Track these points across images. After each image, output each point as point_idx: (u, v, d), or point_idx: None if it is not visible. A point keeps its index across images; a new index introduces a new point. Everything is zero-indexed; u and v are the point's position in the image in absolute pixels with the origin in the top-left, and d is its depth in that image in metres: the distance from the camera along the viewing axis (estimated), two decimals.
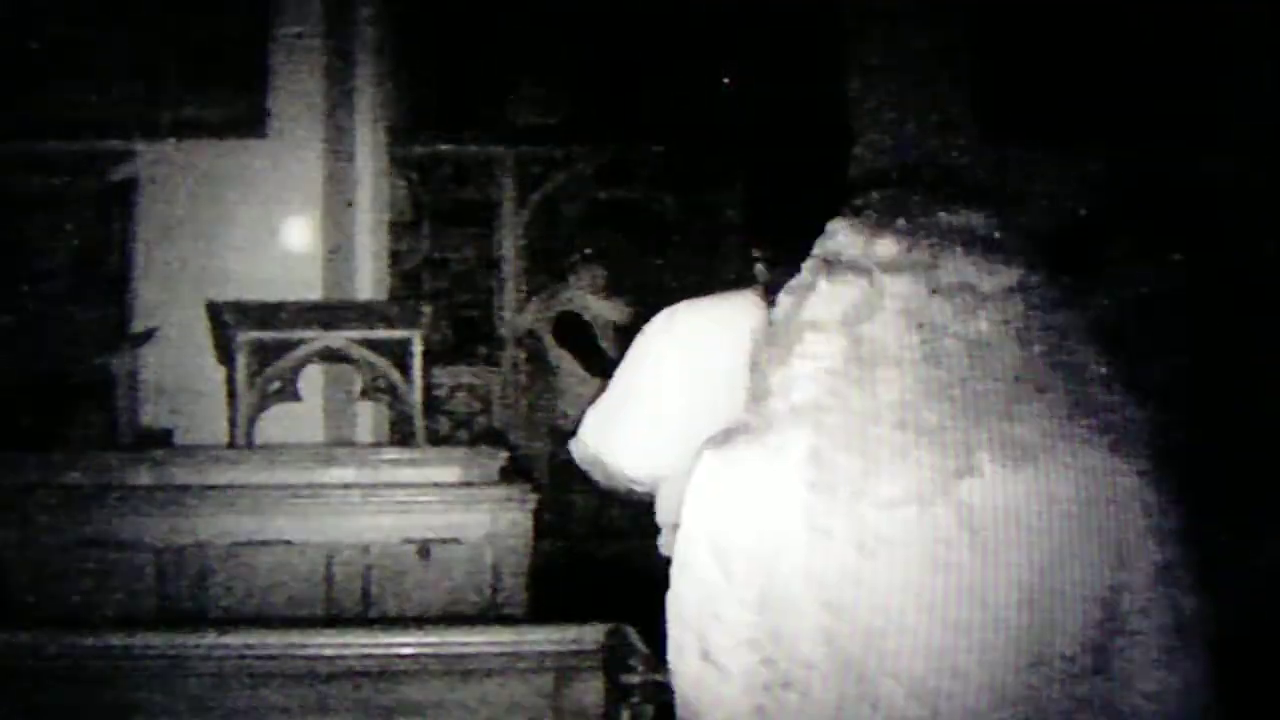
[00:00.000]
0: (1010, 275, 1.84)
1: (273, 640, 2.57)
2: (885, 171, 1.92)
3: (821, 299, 1.84)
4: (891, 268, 1.82)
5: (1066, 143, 7.60)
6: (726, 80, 10.36)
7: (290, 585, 3.91)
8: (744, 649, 1.85)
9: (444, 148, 9.24)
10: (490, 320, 9.15)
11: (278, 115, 6.90)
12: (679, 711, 1.94)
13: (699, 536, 1.89)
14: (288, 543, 3.94)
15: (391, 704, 2.52)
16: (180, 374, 6.56)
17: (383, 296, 7.41)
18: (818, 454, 1.80)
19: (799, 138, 9.14)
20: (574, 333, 7.04)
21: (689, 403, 2.70)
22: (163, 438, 6.44)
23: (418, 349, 6.17)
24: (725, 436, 1.90)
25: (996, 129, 7.90)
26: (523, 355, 8.72)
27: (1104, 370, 1.86)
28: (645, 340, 2.91)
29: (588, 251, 8.05)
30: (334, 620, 3.85)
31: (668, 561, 1.94)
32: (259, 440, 6.01)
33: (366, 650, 2.54)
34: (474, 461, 4.59)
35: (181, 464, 4.59)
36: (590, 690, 2.56)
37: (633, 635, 2.61)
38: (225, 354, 6.12)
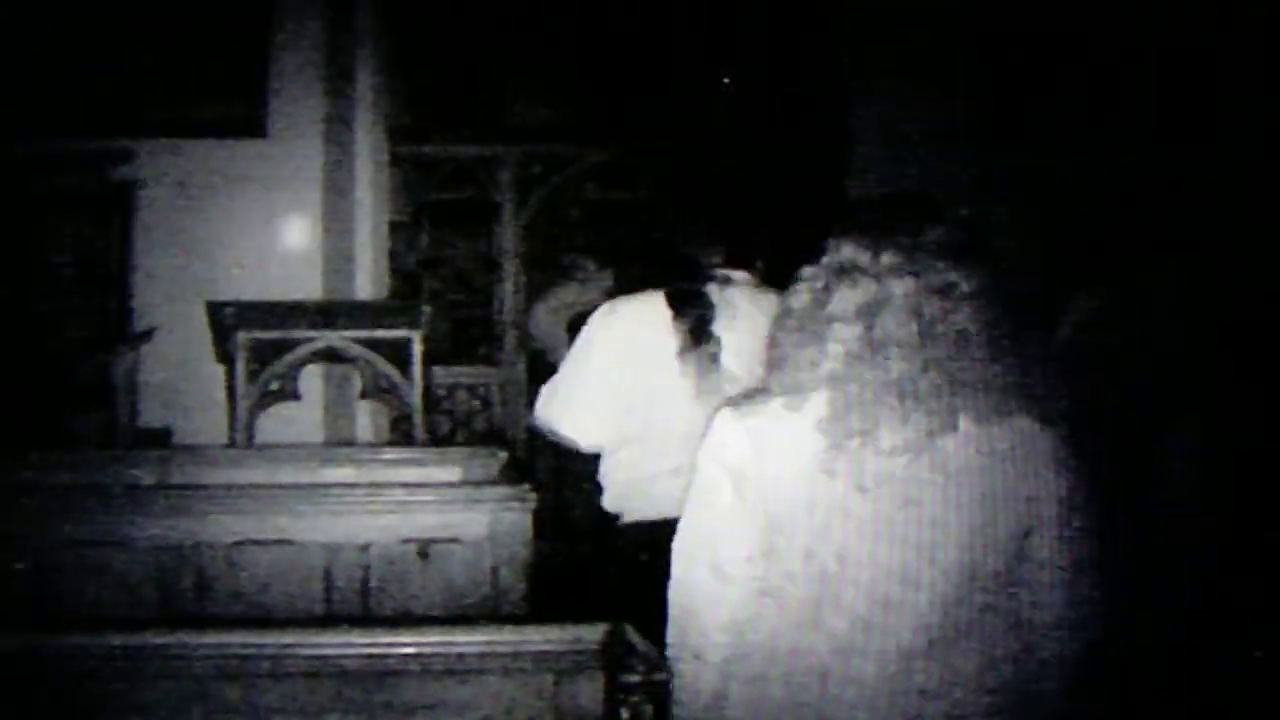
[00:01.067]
0: (981, 278, 2.36)
1: (272, 640, 2.57)
2: (874, 197, 2.52)
3: (842, 297, 2.37)
4: (895, 273, 2.35)
5: (1067, 145, 7.60)
6: (726, 81, 10.36)
7: (290, 585, 3.91)
8: (745, 562, 2.39)
9: (444, 148, 9.23)
10: (490, 320, 9.15)
11: (278, 115, 6.90)
12: (672, 621, 2.48)
13: (721, 472, 2.42)
14: (288, 543, 3.93)
15: (391, 704, 2.52)
16: (180, 374, 6.56)
17: (383, 296, 7.41)
18: (835, 413, 2.34)
19: (797, 141, 9.14)
20: None
21: (620, 381, 3.51)
22: (163, 438, 6.45)
23: (418, 349, 6.17)
24: (747, 396, 2.47)
25: (997, 131, 7.90)
26: (523, 355, 8.72)
27: (1037, 354, 2.38)
28: (588, 329, 3.69)
29: (591, 252, 8.04)
30: (333, 620, 3.84)
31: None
32: (259, 440, 6.02)
33: (366, 650, 2.54)
34: (474, 461, 4.58)
35: (181, 464, 4.59)
36: (590, 690, 2.56)
37: (633, 635, 2.61)
38: (225, 354, 6.12)
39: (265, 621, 3.70)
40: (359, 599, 3.92)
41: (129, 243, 6.58)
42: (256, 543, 3.92)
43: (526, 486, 4.06)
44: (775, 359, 2.44)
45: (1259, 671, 3.44)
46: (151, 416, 6.60)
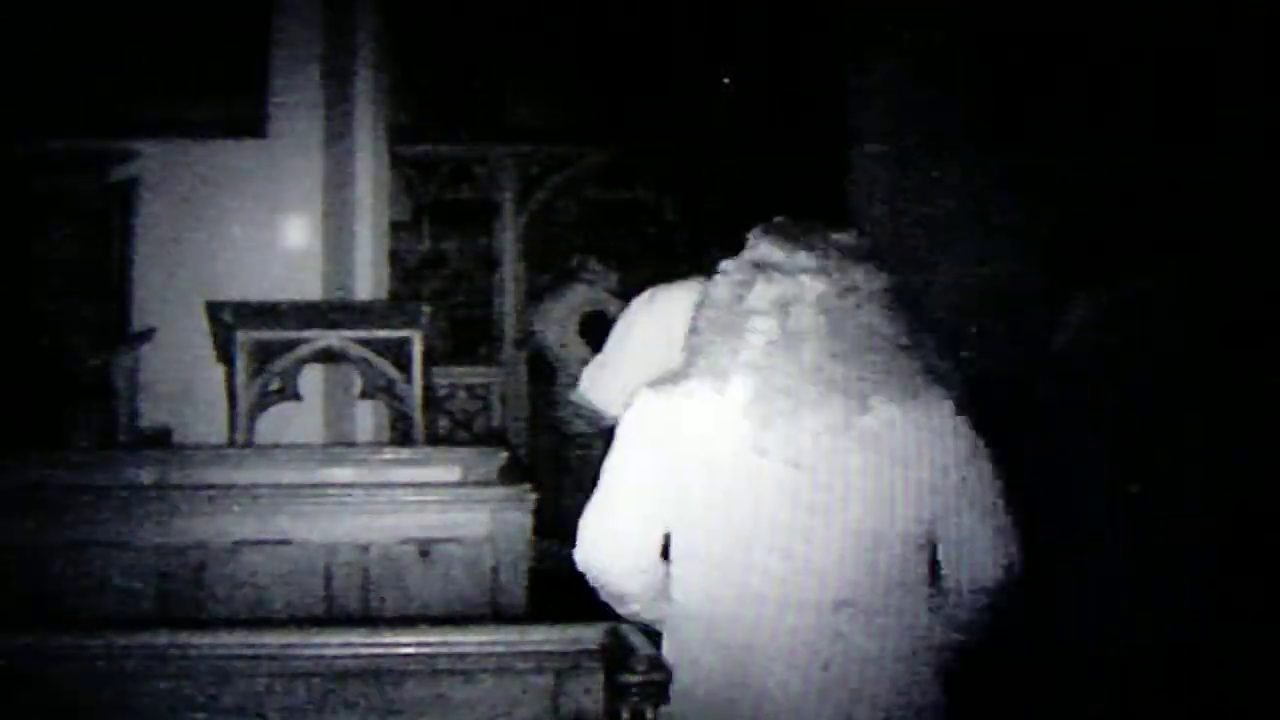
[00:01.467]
0: (883, 279, 2.67)
1: (272, 640, 2.57)
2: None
3: (760, 291, 2.66)
4: (809, 272, 2.65)
5: (1067, 145, 7.60)
6: (726, 81, 10.36)
7: (290, 585, 3.91)
8: (653, 525, 2.68)
9: (444, 148, 9.23)
10: (490, 320, 9.15)
11: (278, 115, 6.90)
12: (590, 575, 2.74)
13: (640, 441, 2.71)
14: (288, 543, 3.93)
15: (391, 704, 2.52)
16: (180, 374, 6.56)
17: (383, 296, 7.41)
18: (758, 396, 2.61)
19: (797, 141, 9.14)
20: (601, 333, 7.02)
21: (656, 359, 3.47)
22: (163, 438, 6.44)
23: (418, 349, 6.17)
24: (667, 376, 2.74)
25: (996, 131, 7.90)
26: (524, 355, 8.72)
27: (934, 345, 2.77)
28: (631, 311, 4.22)
29: (592, 252, 8.04)
30: (334, 620, 3.84)
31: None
32: (259, 440, 6.01)
33: (366, 650, 2.54)
34: (474, 461, 4.58)
35: (181, 464, 4.58)
36: (590, 690, 2.56)
37: (633, 635, 2.62)
38: (225, 354, 6.12)
39: (265, 621, 3.70)
40: (359, 599, 3.92)
41: (129, 243, 6.57)
42: (256, 543, 3.92)
43: (526, 486, 4.06)
44: (696, 345, 2.72)
45: (1260, 670, 3.44)
46: (151, 416, 6.60)
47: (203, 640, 2.56)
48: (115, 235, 6.39)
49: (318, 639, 2.58)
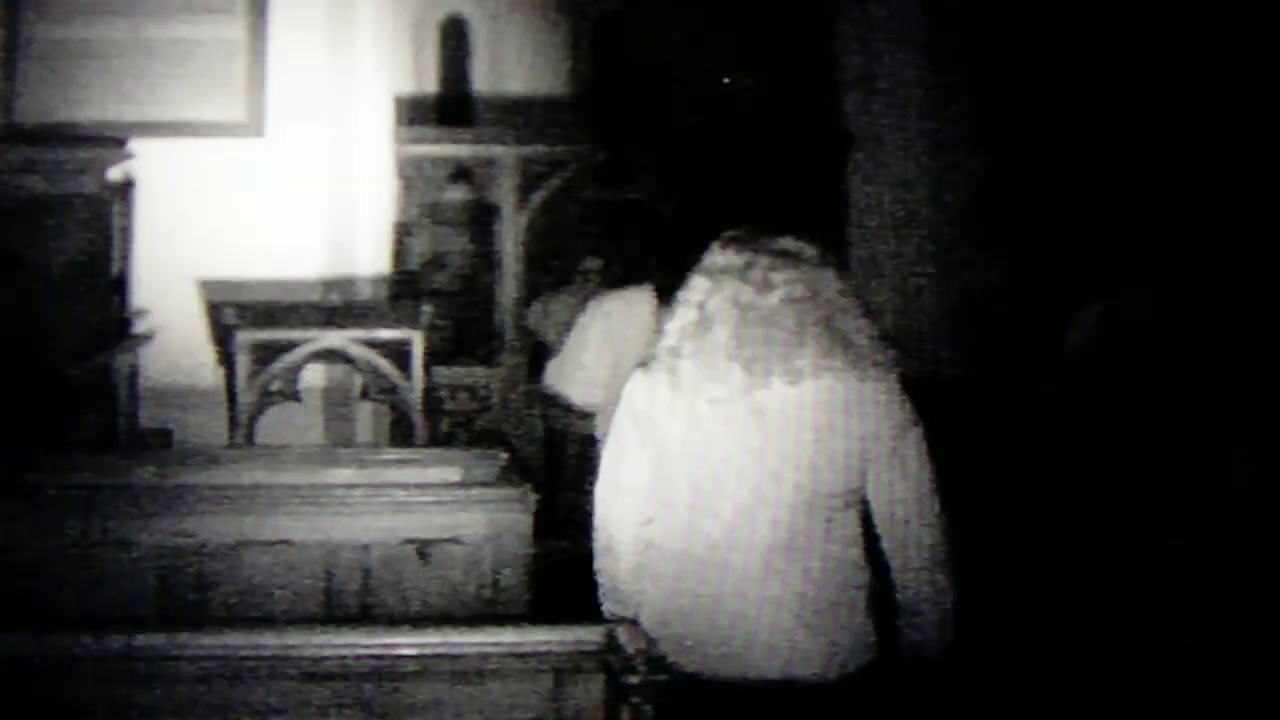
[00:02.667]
0: (797, 274, 3.19)
1: (272, 640, 2.57)
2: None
3: (690, 287, 3.26)
4: (725, 271, 3.22)
5: (1074, 145, 7.60)
6: (726, 81, 10.36)
7: (290, 585, 3.91)
8: (641, 482, 3.27)
9: (444, 148, 9.23)
10: (490, 320, 9.15)
11: (278, 115, 6.90)
12: (595, 528, 3.34)
13: (628, 417, 3.31)
14: (288, 543, 3.93)
15: (391, 704, 2.52)
16: (180, 374, 6.56)
17: (383, 296, 7.41)
18: (676, 372, 3.22)
19: (797, 142, 9.14)
20: None
21: (606, 358, 4.58)
22: (163, 438, 6.44)
23: (418, 349, 6.17)
24: (643, 362, 3.34)
25: (1004, 132, 7.90)
26: (524, 355, 8.71)
27: (860, 326, 3.21)
28: (585, 315, 4.84)
29: (591, 252, 8.03)
30: (333, 620, 3.84)
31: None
32: (259, 440, 6.01)
33: (366, 650, 2.54)
34: (474, 461, 4.58)
35: (181, 464, 4.58)
36: (590, 690, 2.56)
37: (633, 635, 2.62)
38: (225, 354, 6.12)
39: (265, 621, 3.70)
40: (359, 599, 3.92)
41: (129, 243, 6.57)
42: (256, 543, 3.92)
43: (527, 486, 4.06)
44: (657, 335, 3.35)
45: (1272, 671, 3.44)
46: (151, 416, 6.60)
47: (203, 640, 2.56)
48: (115, 235, 6.39)
49: (318, 639, 2.58)
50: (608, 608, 3.31)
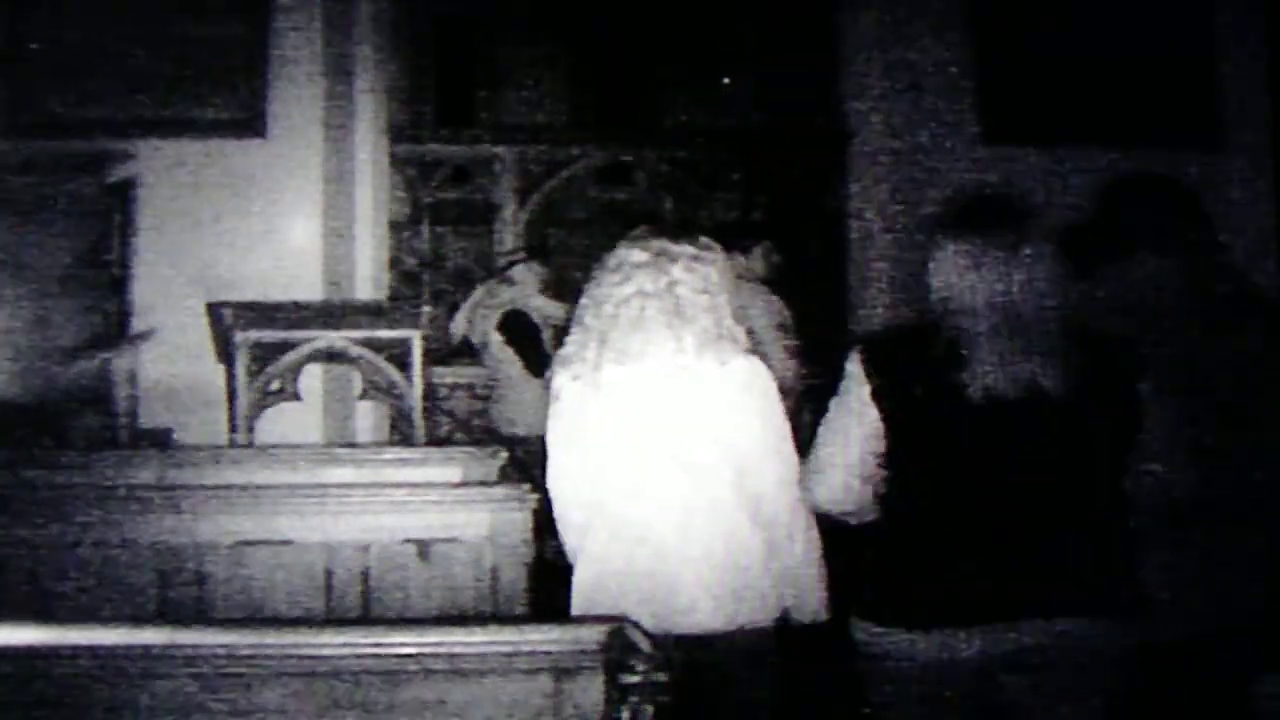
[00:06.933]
0: (692, 267, 3.51)
1: (272, 640, 2.57)
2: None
3: (596, 282, 3.60)
4: (640, 267, 3.53)
5: (1068, 143, 7.60)
6: (726, 80, 10.36)
7: (290, 585, 3.91)
8: (573, 461, 3.57)
9: (444, 148, 9.23)
10: None
11: (278, 115, 6.91)
12: (554, 504, 3.64)
13: (551, 403, 3.63)
14: (288, 543, 3.93)
15: (391, 704, 2.52)
16: (180, 374, 6.56)
17: (383, 296, 7.41)
18: (584, 349, 3.53)
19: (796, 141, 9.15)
20: (521, 332, 6.99)
21: None
22: (163, 438, 6.44)
23: (418, 349, 6.17)
24: (560, 354, 3.66)
25: (999, 130, 7.90)
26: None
27: (752, 314, 3.62)
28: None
29: (527, 249, 8.03)
30: (333, 620, 3.84)
31: None
32: (259, 440, 6.01)
33: (366, 650, 2.54)
34: (474, 461, 4.58)
35: (181, 464, 4.58)
36: (590, 690, 2.56)
37: (633, 635, 2.62)
38: (225, 354, 6.12)
39: (265, 621, 3.70)
40: (359, 599, 3.92)
41: (129, 243, 6.58)
42: (256, 543, 3.92)
43: (526, 486, 4.06)
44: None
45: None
46: (151, 416, 6.60)
47: (203, 640, 2.56)
48: (115, 235, 6.39)
49: (318, 639, 2.58)
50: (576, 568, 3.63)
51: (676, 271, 3.51)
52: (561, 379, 3.59)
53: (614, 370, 3.49)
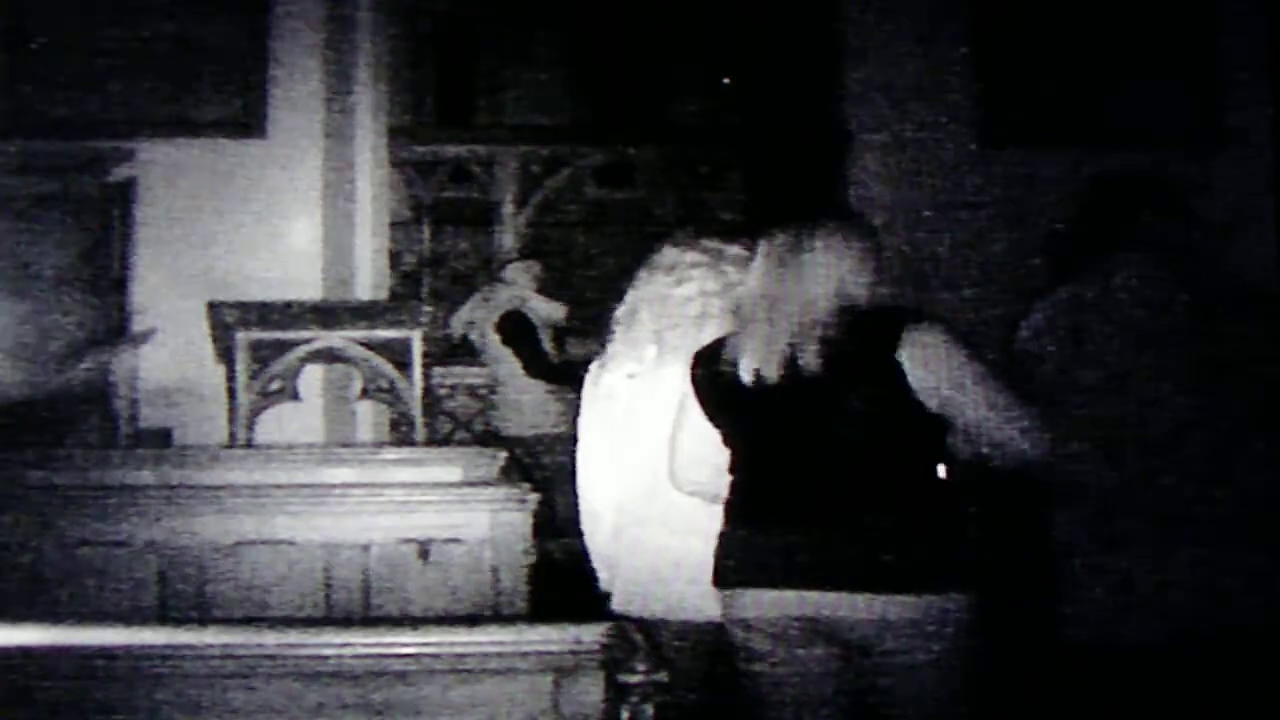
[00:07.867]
0: (710, 273, 3.60)
1: (272, 640, 2.57)
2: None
3: (632, 283, 3.71)
4: (655, 267, 3.64)
5: (1067, 144, 7.60)
6: (726, 80, 10.37)
7: (290, 585, 3.91)
8: (603, 454, 3.68)
9: (444, 148, 9.23)
10: None
11: (278, 115, 6.91)
12: (580, 495, 3.72)
13: (583, 399, 3.76)
14: (288, 543, 3.93)
15: (391, 704, 2.52)
16: (180, 374, 6.56)
17: (383, 296, 7.40)
18: (638, 348, 3.62)
19: (796, 139, 9.14)
20: (519, 333, 6.99)
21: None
22: (163, 438, 6.45)
23: (418, 349, 6.17)
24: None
25: (999, 131, 7.90)
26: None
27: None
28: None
29: (524, 250, 8.02)
30: (333, 620, 3.84)
31: None
32: (259, 440, 6.01)
33: (366, 650, 2.54)
34: (474, 461, 4.58)
35: (181, 464, 4.59)
36: (590, 690, 2.56)
37: (633, 635, 2.62)
38: (225, 354, 6.12)
39: (265, 621, 3.70)
40: (359, 599, 3.92)
41: (129, 243, 6.58)
42: (256, 543, 3.93)
43: (526, 486, 4.06)
44: None
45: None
46: (151, 416, 6.61)
47: (203, 640, 2.56)
48: (115, 235, 6.39)
49: (318, 639, 2.58)
50: (600, 577, 3.71)
51: (733, 272, 3.55)
52: (613, 377, 3.65)
53: (674, 369, 3.49)
